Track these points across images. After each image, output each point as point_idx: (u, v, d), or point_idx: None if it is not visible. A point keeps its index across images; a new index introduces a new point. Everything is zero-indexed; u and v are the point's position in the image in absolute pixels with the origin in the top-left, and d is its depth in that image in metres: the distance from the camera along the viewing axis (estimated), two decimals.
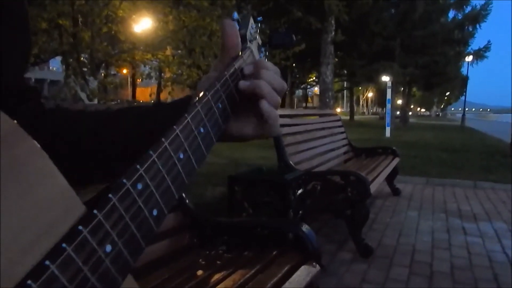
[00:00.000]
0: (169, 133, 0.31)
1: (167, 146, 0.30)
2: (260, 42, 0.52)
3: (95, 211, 0.24)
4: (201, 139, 0.34)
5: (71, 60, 5.50)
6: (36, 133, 0.26)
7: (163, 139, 0.30)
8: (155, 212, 0.28)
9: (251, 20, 0.50)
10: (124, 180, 0.26)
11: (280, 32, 0.54)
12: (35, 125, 0.37)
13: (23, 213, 0.22)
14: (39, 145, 0.24)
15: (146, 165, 0.28)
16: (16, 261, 0.21)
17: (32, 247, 0.22)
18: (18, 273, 0.20)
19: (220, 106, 0.39)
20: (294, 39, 0.54)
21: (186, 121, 0.33)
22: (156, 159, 0.29)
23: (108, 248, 0.24)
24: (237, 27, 0.45)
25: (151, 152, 0.29)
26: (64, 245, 0.22)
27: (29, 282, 0.20)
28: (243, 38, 0.47)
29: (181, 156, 0.32)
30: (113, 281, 0.25)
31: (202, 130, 0.34)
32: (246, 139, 0.45)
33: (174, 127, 0.32)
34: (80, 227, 0.23)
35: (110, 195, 0.25)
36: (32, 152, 0.24)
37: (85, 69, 5.36)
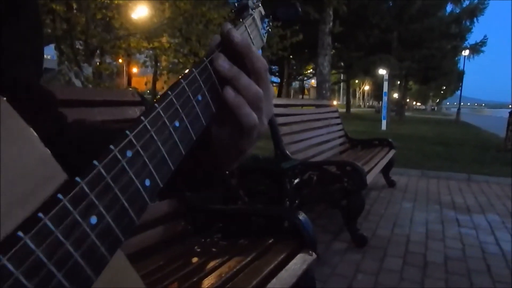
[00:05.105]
0: (163, 99, 0.28)
1: (160, 112, 0.27)
2: (263, 12, 0.49)
3: (77, 179, 0.22)
4: (199, 108, 0.32)
5: (64, 46, 5.40)
6: (53, 146, 0.23)
7: (156, 105, 0.27)
8: (147, 183, 0.26)
9: None
10: (111, 146, 0.24)
11: (285, 4, 0.50)
12: (53, 137, 0.33)
13: None
14: (14, 109, 0.22)
15: (136, 131, 0.25)
16: None
17: (6, 216, 0.19)
18: None
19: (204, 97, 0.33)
20: (300, 10, 0.51)
21: (181, 86, 0.30)
22: (147, 125, 0.26)
23: (93, 220, 0.22)
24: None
25: (142, 118, 0.26)
26: (40, 214, 0.19)
27: None
28: (245, 6, 0.44)
29: (177, 124, 0.29)
30: (100, 258, 0.22)
31: (200, 98, 0.32)
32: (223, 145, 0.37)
33: (169, 92, 0.29)
34: (59, 195, 0.20)
35: (94, 162, 0.23)
36: (7, 114, 0.21)
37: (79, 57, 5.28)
